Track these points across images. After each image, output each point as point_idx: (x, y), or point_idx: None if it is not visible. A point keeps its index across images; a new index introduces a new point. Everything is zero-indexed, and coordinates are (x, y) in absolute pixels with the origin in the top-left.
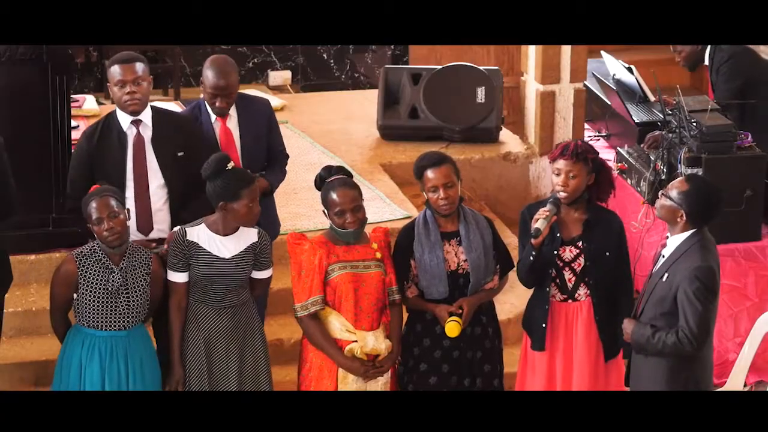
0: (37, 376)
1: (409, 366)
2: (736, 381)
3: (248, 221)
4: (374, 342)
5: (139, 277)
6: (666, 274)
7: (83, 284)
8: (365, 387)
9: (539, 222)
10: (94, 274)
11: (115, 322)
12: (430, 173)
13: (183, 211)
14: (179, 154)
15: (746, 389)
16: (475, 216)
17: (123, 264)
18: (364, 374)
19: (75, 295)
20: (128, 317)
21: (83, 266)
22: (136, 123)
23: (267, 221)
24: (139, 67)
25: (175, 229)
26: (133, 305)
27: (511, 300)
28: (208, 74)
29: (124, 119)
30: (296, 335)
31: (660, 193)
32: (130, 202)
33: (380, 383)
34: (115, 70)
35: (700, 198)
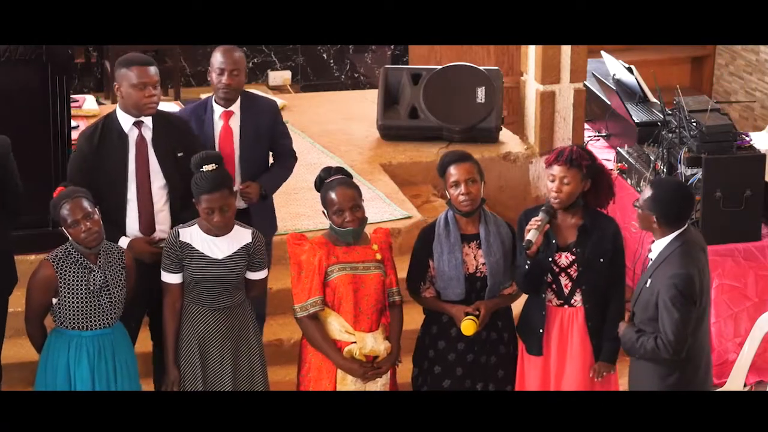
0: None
1: (423, 368)
2: (736, 381)
3: (214, 226)
4: (373, 343)
5: (117, 272)
6: (649, 280)
7: (64, 287)
8: (364, 388)
9: (531, 233)
10: (74, 276)
11: (100, 320)
12: (452, 169)
13: (184, 212)
14: (179, 154)
15: (746, 389)
16: (496, 220)
17: (100, 262)
18: (363, 375)
19: (54, 300)
20: (111, 314)
21: (61, 269)
22: (138, 124)
23: (264, 222)
24: (155, 70)
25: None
26: (115, 301)
27: None
28: (215, 54)
29: (126, 120)
30: (296, 335)
31: (633, 205)
32: (132, 204)
33: (379, 384)
34: (134, 73)
35: (665, 199)
